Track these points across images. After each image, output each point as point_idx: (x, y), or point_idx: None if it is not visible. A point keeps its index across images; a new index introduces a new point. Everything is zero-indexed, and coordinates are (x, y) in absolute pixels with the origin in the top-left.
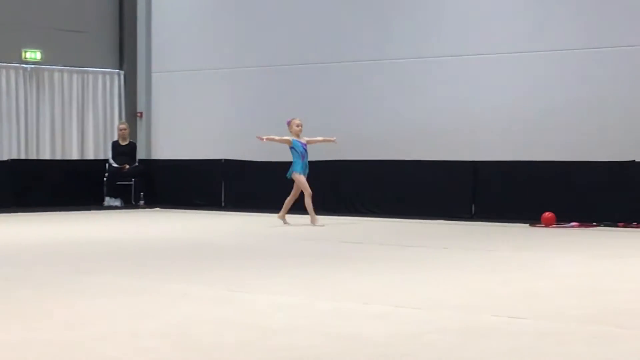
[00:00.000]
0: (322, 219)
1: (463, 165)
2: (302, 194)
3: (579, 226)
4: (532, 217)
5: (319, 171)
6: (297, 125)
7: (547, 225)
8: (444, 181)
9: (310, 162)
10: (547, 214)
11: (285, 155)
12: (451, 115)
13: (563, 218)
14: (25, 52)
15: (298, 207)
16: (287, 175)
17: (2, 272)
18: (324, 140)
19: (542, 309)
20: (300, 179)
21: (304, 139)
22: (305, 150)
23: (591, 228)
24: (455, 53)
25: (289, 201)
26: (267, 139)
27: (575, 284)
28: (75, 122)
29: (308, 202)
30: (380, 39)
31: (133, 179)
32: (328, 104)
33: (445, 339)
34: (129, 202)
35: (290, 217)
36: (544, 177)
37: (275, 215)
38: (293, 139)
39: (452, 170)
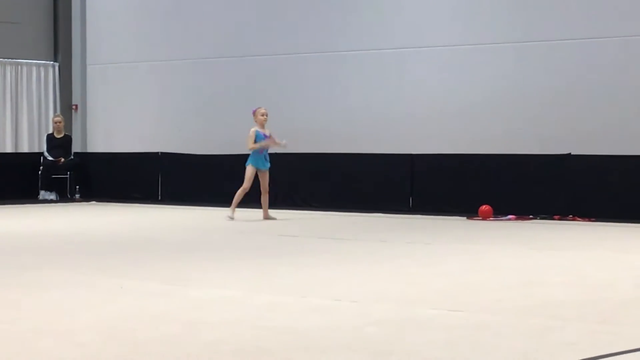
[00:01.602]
0: (258, 212)
1: (400, 158)
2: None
3: (516, 219)
4: (469, 210)
5: None
6: (262, 115)
7: (484, 218)
8: (381, 174)
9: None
10: (484, 207)
11: (227, 148)
12: (388, 107)
13: (500, 211)
14: None
15: (246, 201)
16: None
17: None
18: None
19: (479, 302)
20: (247, 171)
21: (267, 131)
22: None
23: (528, 221)
24: (392, 46)
25: (263, 201)
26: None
27: (511, 276)
28: (9, 115)
29: (239, 193)
30: (319, 31)
31: (68, 172)
32: (263, 96)
33: (383, 332)
34: (65, 196)
35: (222, 210)
36: (481, 169)
37: (212, 208)
38: (256, 130)
39: (389, 163)
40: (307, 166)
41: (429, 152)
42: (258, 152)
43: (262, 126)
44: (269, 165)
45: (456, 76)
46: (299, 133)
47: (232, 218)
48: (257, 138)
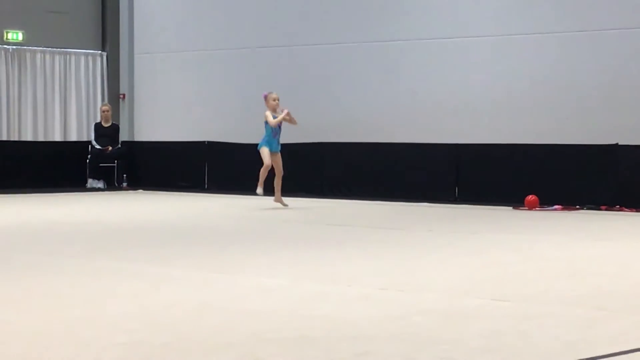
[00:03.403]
0: (307, 201)
1: (446, 147)
2: (269, 171)
3: (562, 209)
4: (515, 200)
5: (303, 153)
6: (274, 100)
7: (530, 208)
8: (427, 164)
9: (295, 144)
10: (531, 197)
11: None
12: (435, 97)
13: (546, 201)
14: (7, 32)
15: (290, 190)
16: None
17: None
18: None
19: (525, 292)
20: (263, 152)
21: (279, 115)
22: (279, 126)
23: (574, 211)
24: (439, 35)
25: (276, 183)
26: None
27: (557, 267)
28: (57, 104)
29: (262, 171)
30: (364, 20)
31: (116, 161)
32: (313, 86)
33: (429, 322)
34: (112, 184)
35: (269, 199)
36: (528, 160)
37: (261, 198)
38: (271, 114)
39: (435, 153)
40: (353, 155)
41: (475, 142)
42: (271, 134)
43: (274, 110)
44: (280, 148)
45: (502, 66)
46: (344, 122)
47: (260, 194)
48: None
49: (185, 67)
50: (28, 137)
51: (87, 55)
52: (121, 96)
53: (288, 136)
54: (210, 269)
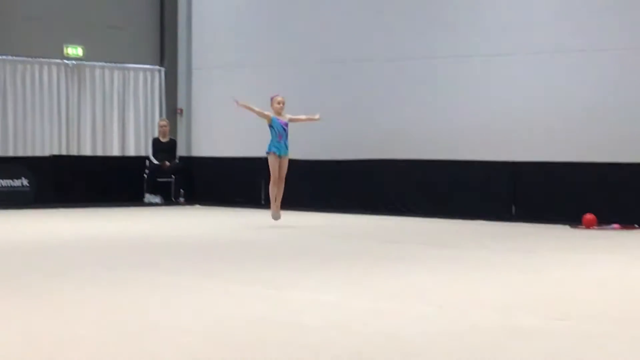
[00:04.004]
0: (363, 218)
1: (503, 165)
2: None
3: (621, 228)
4: (572, 219)
5: (360, 169)
6: (278, 103)
7: (588, 226)
8: (484, 181)
9: (352, 161)
10: (588, 216)
11: (327, 154)
12: (491, 115)
13: (604, 220)
14: (67, 48)
15: (346, 206)
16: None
17: (43, 267)
18: (308, 119)
19: (583, 311)
20: (270, 161)
21: (286, 117)
22: (285, 129)
23: (633, 230)
24: (496, 52)
25: (278, 187)
26: (241, 105)
27: (615, 286)
28: (116, 119)
29: (271, 189)
30: (428, 36)
31: (173, 176)
32: (366, 101)
33: (485, 340)
34: (169, 199)
35: (325, 215)
36: (585, 178)
37: (314, 213)
38: (273, 117)
39: (492, 170)
40: (412, 173)
41: (533, 160)
42: (277, 138)
43: (279, 114)
44: (288, 151)
45: (560, 83)
46: (401, 139)
47: (277, 219)
48: (273, 123)
49: (242, 82)
50: (87, 151)
51: (145, 70)
52: (179, 111)
53: (346, 153)
54: (265, 284)
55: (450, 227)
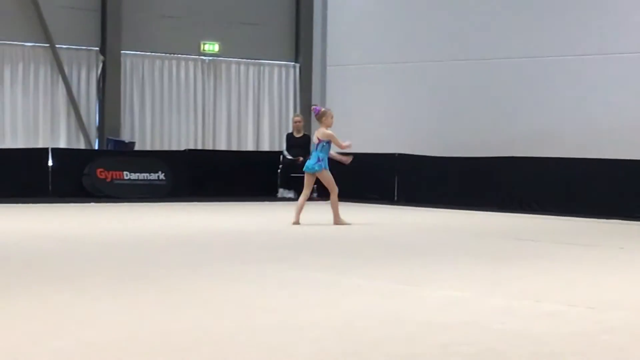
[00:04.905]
0: (495, 215)
1: (637, 163)
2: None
3: None
4: None
5: (490, 167)
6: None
7: None
8: (619, 179)
9: (481, 158)
10: None
11: (461, 151)
12: (627, 113)
13: None
14: (204, 44)
15: (475, 205)
16: (314, 169)
17: (179, 260)
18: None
19: None
20: (329, 175)
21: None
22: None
23: None
24: (633, 50)
25: (301, 200)
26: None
27: None
28: (250, 114)
29: (333, 200)
30: (560, 35)
31: None
32: (502, 99)
33: (618, 340)
34: None
35: (457, 212)
36: None
37: (448, 210)
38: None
39: (628, 168)
40: (544, 170)
41: None
42: (327, 154)
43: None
44: (312, 168)
45: None
46: (533, 136)
47: (349, 224)
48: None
49: (376, 79)
50: (222, 146)
51: (280, 66)
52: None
53: (473, 151)
54: (396, 280)
55: (584, 225)
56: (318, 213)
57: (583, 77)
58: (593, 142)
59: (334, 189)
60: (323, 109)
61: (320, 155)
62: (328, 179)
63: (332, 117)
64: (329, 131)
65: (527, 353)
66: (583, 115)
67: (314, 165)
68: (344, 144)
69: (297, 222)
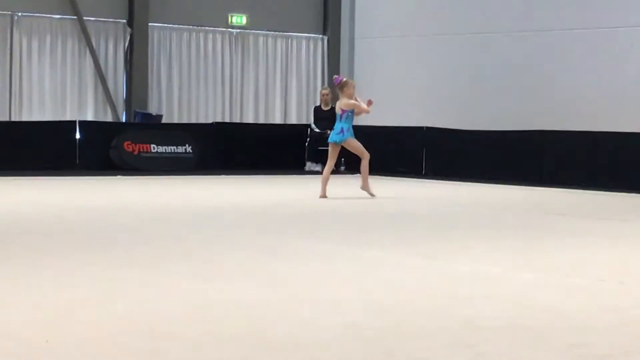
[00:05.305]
0: (525, 189)
1: None
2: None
3: None
4: None
5: (521, 141)
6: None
7: None
8: None
9: (513, 132)
10: None
11: (490, 124)
12: None
13: None
14: (232, 16)
15: (507, 178)
16: (337, 140)
17: (207, 233)
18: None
19: None
20: (356, 142)
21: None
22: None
23: None
24: None
25: (328, 173)
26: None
27: None
28: (278, 87)
29: (365, 165)
30: (590, 7)
31: None
32: (530, 73)
33: None
34: None
35: (486, 186)
36: None
37: (476, 184)
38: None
39: None
40: (575, 144)
41: None
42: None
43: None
44: (336, 138)
45: None
46: (564, 110)
47: (373, 195)
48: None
49: (405, 52)
50: (249, 119)
51: (308, 39)
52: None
53: (505, 124)
54: (425, 254)
55: (615, 200)
56: (345, 187)
57: (611, 49)
58: (623, 115)
59: (364, 155)
60: (344, 79)
61: (345, 125)
62: (356, 146)
63: (354, 87)
64: (351, 101)
65: (554, 328)
66: (614, 89)
67: (337, 135)
68: (368, 107)
69: (324, 196)
